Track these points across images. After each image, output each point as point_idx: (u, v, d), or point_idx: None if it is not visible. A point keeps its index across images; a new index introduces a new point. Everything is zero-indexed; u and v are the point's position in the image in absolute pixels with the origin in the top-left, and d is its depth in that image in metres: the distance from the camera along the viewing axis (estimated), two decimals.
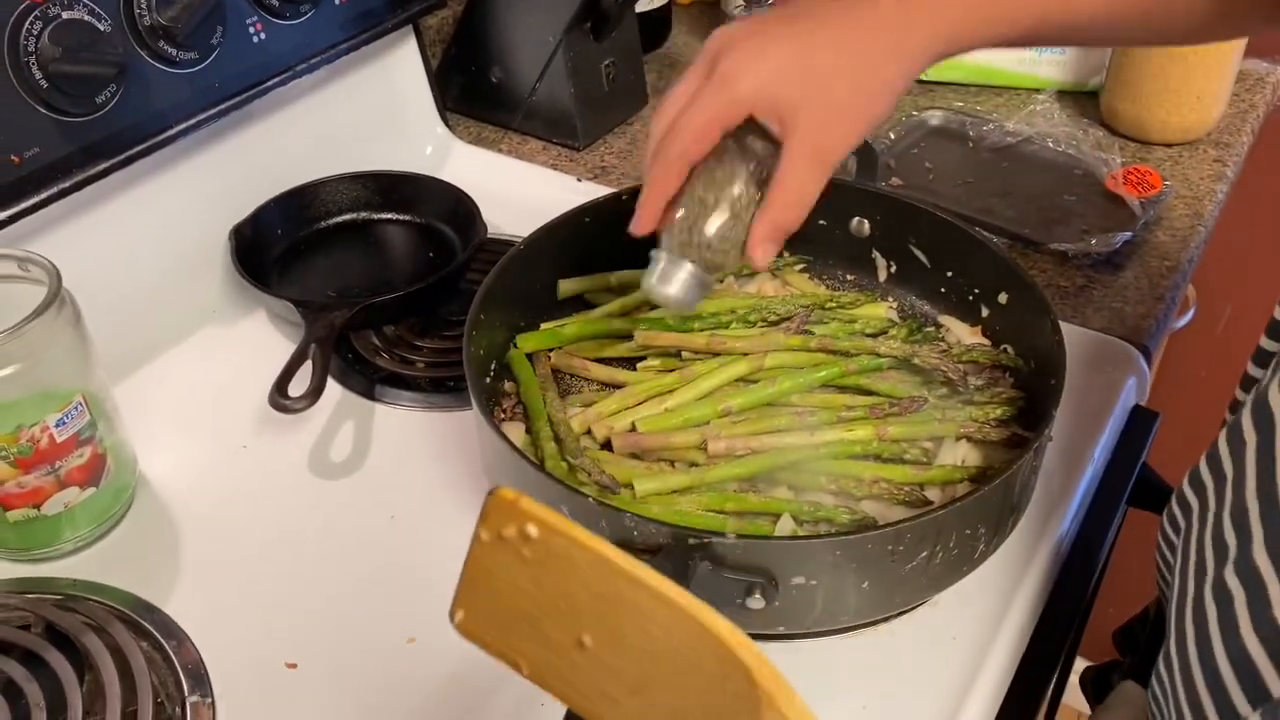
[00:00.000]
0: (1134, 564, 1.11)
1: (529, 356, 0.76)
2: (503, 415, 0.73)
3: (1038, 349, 0.69)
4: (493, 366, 0.75)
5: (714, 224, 0.61)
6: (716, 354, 0.75)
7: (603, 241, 0.80)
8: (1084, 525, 0.71)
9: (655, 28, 1.22)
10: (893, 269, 0.81)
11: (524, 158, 1.06)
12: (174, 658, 0.62)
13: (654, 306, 0.79)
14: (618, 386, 0.74)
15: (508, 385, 0.75)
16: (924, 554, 0.57)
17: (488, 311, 0.71)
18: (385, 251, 0.94)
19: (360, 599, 0.66)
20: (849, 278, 0.83)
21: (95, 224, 0.77)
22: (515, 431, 0.72)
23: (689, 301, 0.62)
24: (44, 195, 0.72)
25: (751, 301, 0.78)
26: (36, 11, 0.69)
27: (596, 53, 1.05)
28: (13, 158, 0.70)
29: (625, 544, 0.57)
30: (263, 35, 0.84)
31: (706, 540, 0.55)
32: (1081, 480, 0.72)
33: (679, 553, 0.55)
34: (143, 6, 0.74)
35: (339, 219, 0.94)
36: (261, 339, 0.85)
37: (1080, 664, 1.10)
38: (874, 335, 0.76)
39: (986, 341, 0.76)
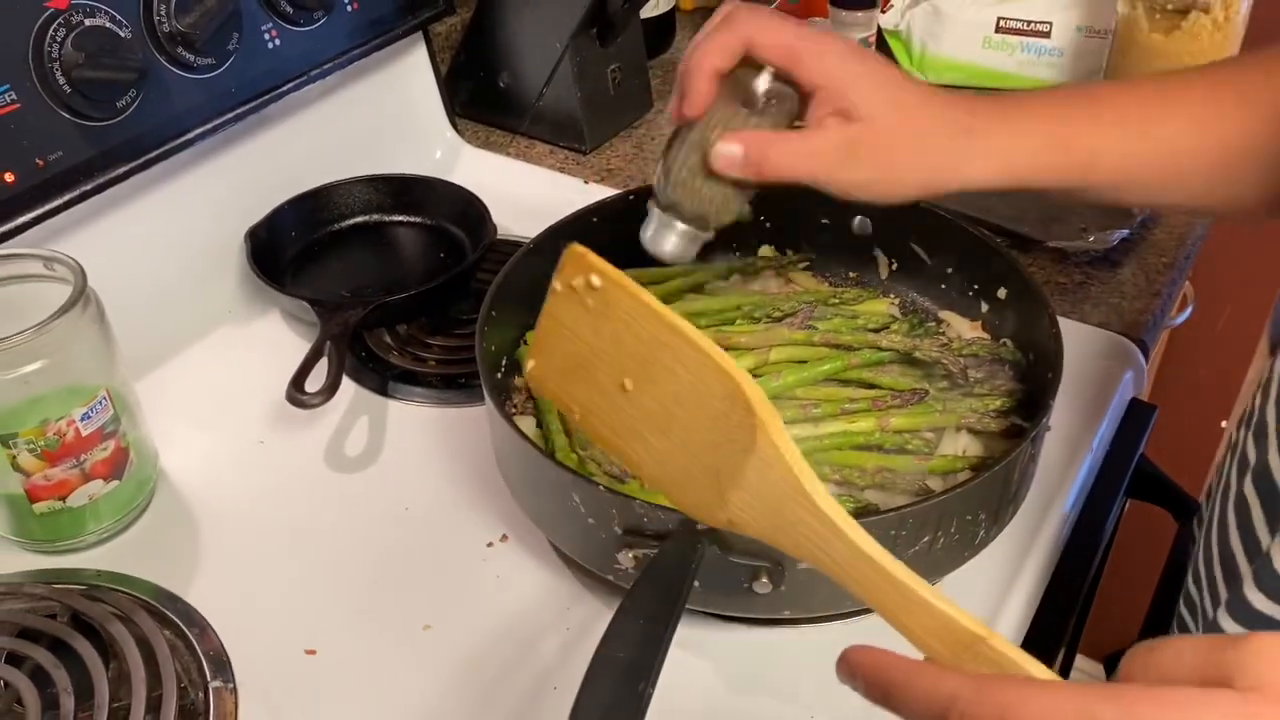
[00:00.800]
0: (1134, 559, 1.13)
1: None
2: (514, 409, 0.75)
3: (1036, 342, 0.71)
4: (504, 362, 0.76)
5: (691, 164, 0.60)
6: (723, 349, 0.76)
7: (611, 241, 0.81)
8: (1083, 514, 0.73)
9: (660, 33, 1.24)
10: (894, 266, 0.83)
11: (532, 161, 1.08)
12: (196, 645, 0.64)
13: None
14: None
15: (518, 380, 0.77)
16: (926, 539, 0.59)
17: (499, 309, 0.73)
18: (397, 252, 0.96)
19: (377, 587, 0.68)
20: (851, 275, 0.85)
21: (115, 226, 0.79)
22: (526, 425, 0.73)
23: (678, 255, 0.63)
24: (67, 197, 0.74)
25: (756, 298, 0.80)
26: (60, 19, 0.71)
27: (602, 58, 1.07)
28: (37, 161, 0.72)
29: (635, 530, 0.58)
30: (277, 42, 0.86)
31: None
32: (1080, 470, 0.73)
33: (687, 538, 0.56)
34: (162, 14, 0.76)
35: (351, 221, 0.96)
36: (276, 338, 0.87)
37: (1082, 663, 1.11)
38: (876, 330, 0.77)
39: (986, 336, 0.78)
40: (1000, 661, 0.35)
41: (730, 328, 0.78)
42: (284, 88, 0.87)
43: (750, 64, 0.59)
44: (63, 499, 0.67)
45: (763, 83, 0.59)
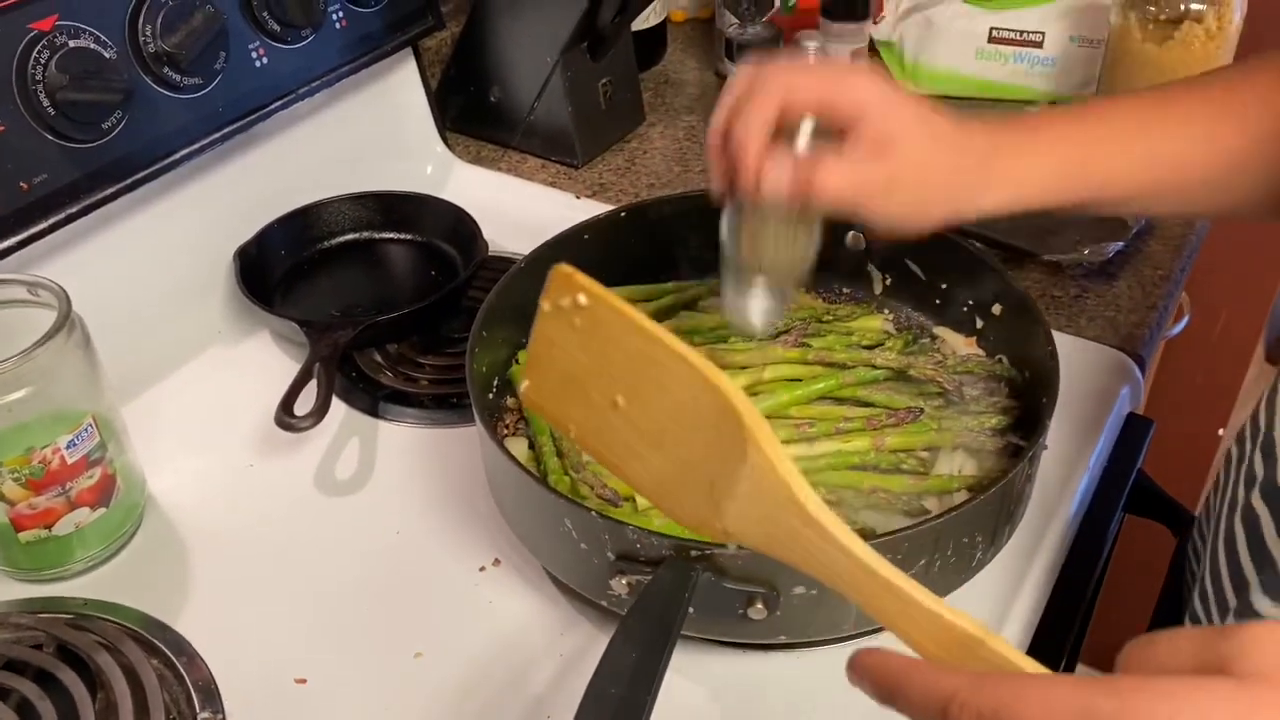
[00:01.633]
0: (1133, 572, 1.12)
1: None
2: (506, 431, 0.74)
3: (1032, 359, 0.71)
4: (495, 383, 0.76)
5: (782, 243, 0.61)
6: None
7: (602, 258, 0.81)
8: (1081, 532, 0.72)
9: (651, 46, 1.24)
10: (888, 282, 0.83)
11: (523, 176, 1.07)
12: (185, 675, 0.63)
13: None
14: None
15: (510, 401, 0.76)
16: (922, 562, 0.58)
17: (490, 328, 0.72)
18: (387, 271, 0.95)
19: (368, 614, 0.67)
20: (845, 291, 0.84)
21: (102, 248, 0.79)
22: (518, 447, 0.73)
23: (770, 318, 0.65)
24: (52, 220, 0.73)
25: None
26: (44, 40, 0.70)
27: (593, 72, 1.07)
28: (21, 184, 0.71)
29: (628, 556, 0.58)
30: (265, 60, 0.85)
31: (709, 552, 0.56)
32: (1078, 488, 0.73)
33: (682, 564, 0.56)
34: (147, 34, 0.76)
35: (341, 239, 0.95)
36: (266, 359, 0.86)
37: (1082, 670, 1.11)
38: (870, 347, 0.77)
39: (981, 352, 0.77)
40: (998, 662, 0.35)
41: (723, 346, 0.77)
42: (272, 106, 0.86)
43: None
44: (48, 527, 0.66)
45: (804, 135, 0.57)
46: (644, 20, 1.19)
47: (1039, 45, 1.12)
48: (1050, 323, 0.70)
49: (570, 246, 0.79)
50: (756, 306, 0.64)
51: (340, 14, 0.91)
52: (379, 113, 1.01)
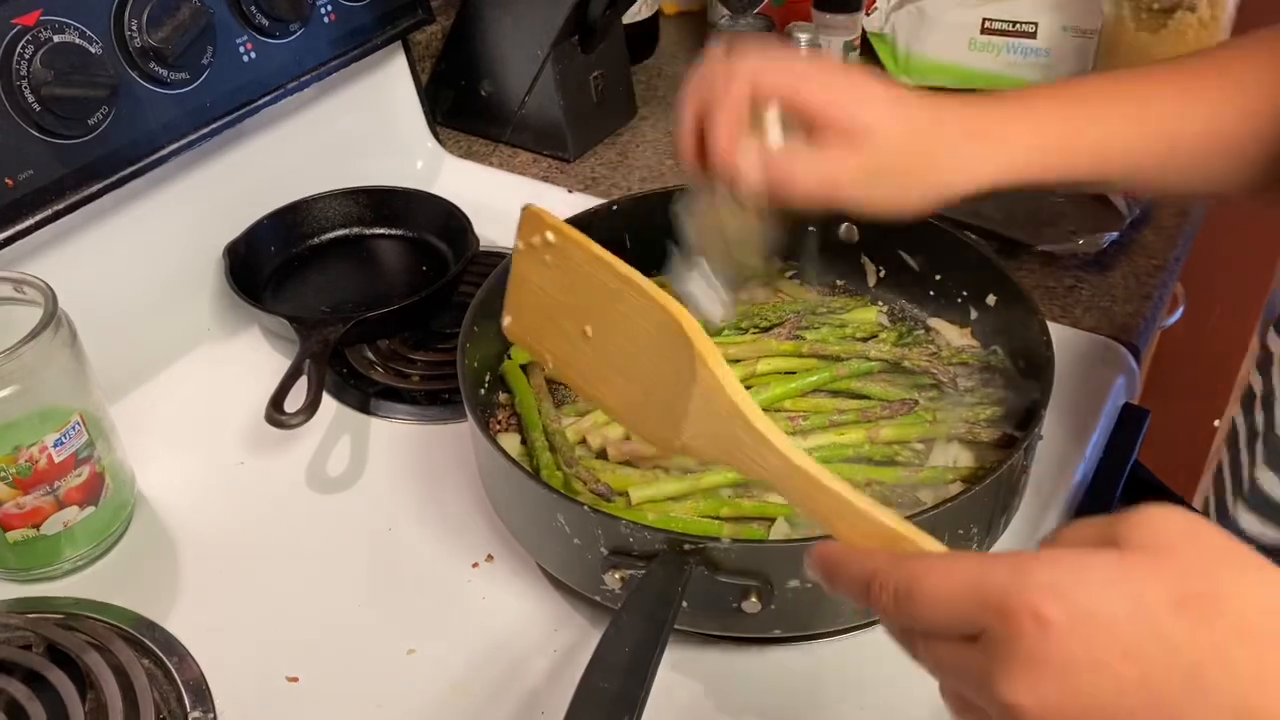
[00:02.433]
0: None
1: (523, 368, 0.76)
2: (498, 426, 0.74)
3: (1027, 349, 0.70)
4: (487, 378, 0.75)
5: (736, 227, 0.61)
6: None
7: None
8: (1077, 518, 0.71)
9: (642, 39, 1.23)
10: (882, 274, 0.82)
11: (515, 170, 1.07)
12: (175, 674, 0.63)
13: None
14: None
15: (502, 397, 0.76)
16: None
17: (481, 324, 0.72)
18: (378, 266, 0.94)
19: (360, 610, 0.66)
20: (839, 283, 0.84)
21: (89, 245, 0.78)
22: (510, 442, 0.72)
23: (722, 313, 0.64)
24: (38, 217, 0.72)
25: (743, 308, 0.79)
26: (28, 35, 0.70)
27: (585, 65, 1.06)
28: (6, 180, 0.70)
29: (621, 550, 0.57)
30: (253, 54, 0.84)
31: (702, 545, 0.55)
32: (1074, 478, 0.72)
33: (675, 558, 0.55)
34: (133, 28, 0.75)
35: (331, 235, 0.95)
36: (256, 356, 0.86)
37: None
38: (864, 339, 0.76)
39: (976, 343, 0.77)
40: (917, 551, 0.40)
41: (717, 339, 0.76)
42: (260, 101, 0.86)
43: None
44: (37, 527, 0.66)
45: (773, 126, 0.57)
46: (635, 13, 1.18)
47: (1032, 36, 1.11)
48: (1045, 313, 0.69)
49: None
50: (713, 296, 0.63)
51: (329, 8, 0.90)
52: (369, 108, 1.00)
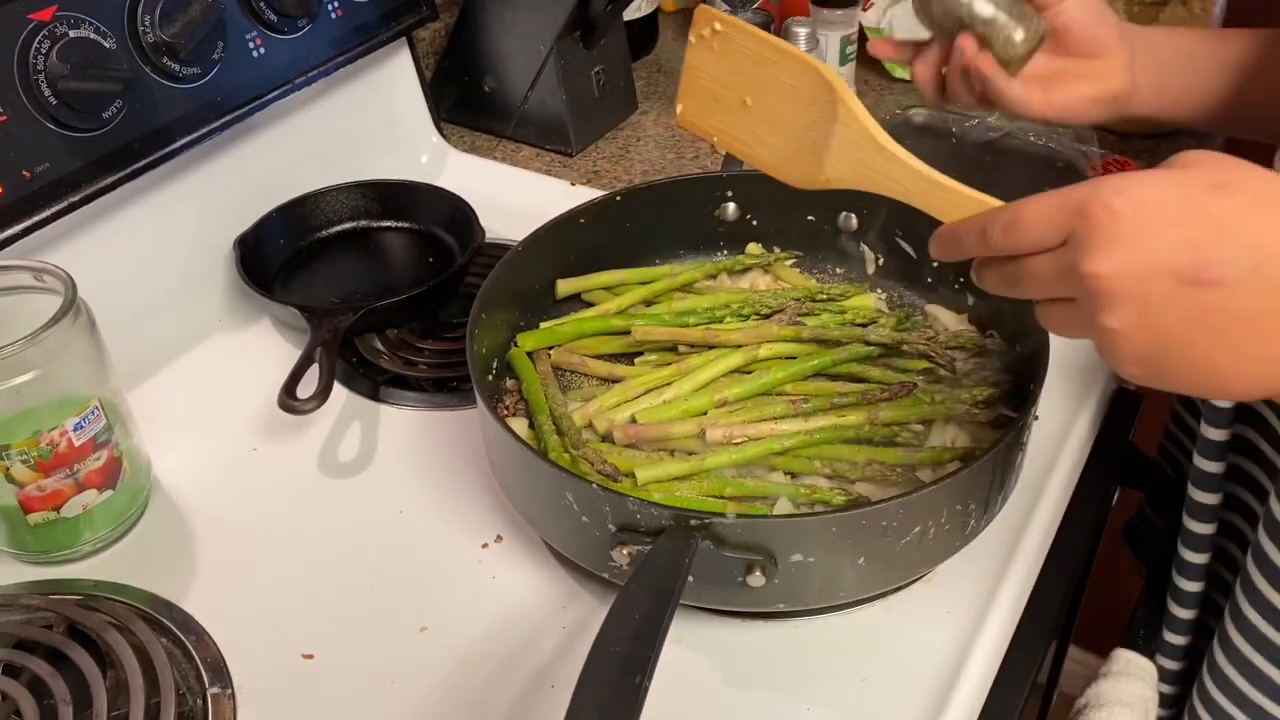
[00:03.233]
0: (1124, 548, 1.14)
1: (529, 355, 0.78)
2: (505, 411, 0.75)
3: (1022, 333, 0.72)
4: (494, 365, 0.77)
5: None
6: (712, 347, 0.77)
7: (599, 242, 0.82)
8: (1073, 502, 0.73)
9: (643, 35, 1.25)
10: (880, 262, 0.84)
11: (518, 164, 1.08)
12: (194, 652, 0.64)
13: (650, 304, 0.82)
14: (617, 381, 0.76)
15: (509, 383, 0.77)
16: (917, 529, 0.59)
17: (489, 311, 0.74)
18: (385, 258, 0.96)
19: (373, 591, 0.68)
20: (838, 271, 0.85)
21: (104, 236, 0.80)
22: (518, 426, 0.74)
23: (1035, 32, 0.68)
24: (54, 209, 0.74)
25: (744, 295, 0.80)
26: (44, 31, 0.71)
27: (586, 60, 1.08)
28: (24, 173, 0.72)
29: (629, 527, 0.59)
30: (262, 50, 0.86)
31: (707, 521, 0.57)
32: (1068, 459, 0.74)
33: (681, 533, 0.57)
34: (146, 24, 0.77)
35: (339, 228, 0.96)
36: (266, 346, 0.87)
37: (1075, 651, 1.12)
38: (864, 325, 0.78)
39: (973, 328, 0.78)
40: None
41: (719, 325, 0.78)
42: (269, 95, 0.87)
43: None
44: (57, 509, 0.67)
45: None
46: (636, 9, 1.20)
47: None
48: None
49: (567, 230, 0.80)
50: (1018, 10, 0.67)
51: (336, 4, 0.92)
52: (374, 103, 1.02)
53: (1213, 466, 0.70)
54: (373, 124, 1.02)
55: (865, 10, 1.19)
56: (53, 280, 0.66)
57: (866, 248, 0.84)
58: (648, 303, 0.82)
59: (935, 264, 0.81)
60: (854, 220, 0.83)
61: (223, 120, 0.84)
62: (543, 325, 0.80)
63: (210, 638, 0.65)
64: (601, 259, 0.83)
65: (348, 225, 0.97)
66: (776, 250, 0.85)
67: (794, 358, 0.75)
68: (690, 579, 0.55)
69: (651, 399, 0.73)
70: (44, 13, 0.71)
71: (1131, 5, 1.02)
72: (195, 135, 0.82)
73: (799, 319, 0.78)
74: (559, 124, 1.08)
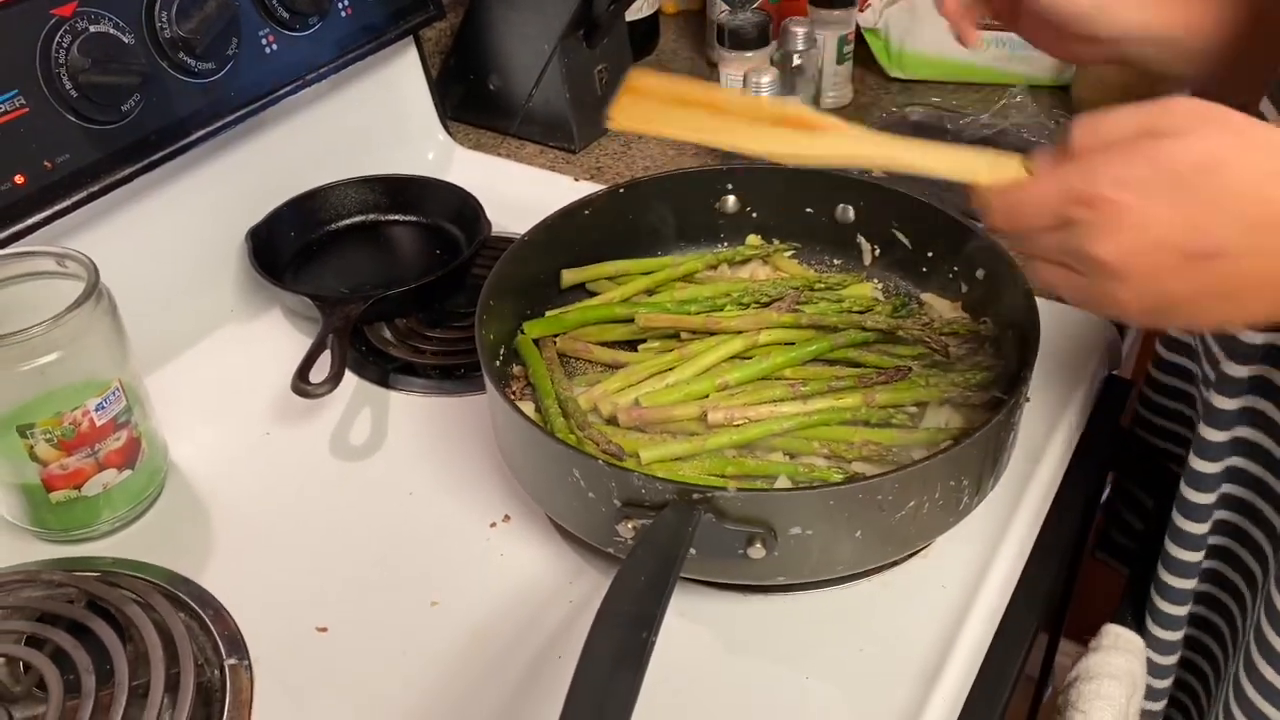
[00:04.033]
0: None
1: (535, 342, 0.80)
2: (512, 395, 0.77)
3: (1014, 319, 0.74)
4: (501, 352, 0.79)
5: None
6: (713, 333, 0.79)
7: (602, 233, 0.85)
8: (1064, 484, 0.75)
9: (644, 36, 1.27)
10: (877, 252, 0.86)
11: (522, 161, 1.11)
12: (211, 626, 0.66)
13: (652, 293, 0.84)
14: (620, 367, 0.79)
15: (516, 369, 0.79)
16: (911, 504, 0.61)
17: (496, 299, 0.76)
18: (394, 250, 0.98)
19: (385, 567, 0.70)
20: (836, 262, 0.87)
21: (121, 226, 0.82)
22: (525, 410, 0.76)
23: None
24: (74, 198, 0.76)
25: (744, 284, 0.83)
26: (66, 26, 0.74)
27: (589, 59, 1.10)
28: (45, 163, 0.74)
29: (634, 502, 0.61)
30: (274, 47, 0.88)
31: (709, 494, 0.59)
32: (1059, 441, 0.76)
33: (684, 506, 0.59)
34: (164, 20, 0.79)
35: (349, 221, 0.99)
36: (278, 335, 0.89)
37: (1066, 646, 1.14)
38: (861, 312, 0.80)
39: (967, 316, 0.81)
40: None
41: (720, 314, 0.80)
42: (281, 91, 0.89)
43: None
44: (78, 488, 0.69)
45: None
46: (638, 10, 1.22)
47: None
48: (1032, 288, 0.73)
49: (572, 221, 0.82)
50: None
51: (345, 3, 0.94)
52: (382, 100, 1.04)
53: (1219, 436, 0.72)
54: (381, 121, 1.04)
55: (862, 11, 1.21)
56: (75, 266, 0.68)
57: (863, 239, 0.86)
58: (650, 292, 0.84)
59: (930, 254, 0.83)
60: (851, 212, 0.85)
61: (236, 115, 0.86)
62: (548, 313, 0.82)
63: (227, 612, 0.67)
64: (605, 250, 0.85)
65: (357, 219, 0.99)
66: (775, 241, 0.88)
67: (792, 343, 0.77)
68: (693, 552, 0.57)
69: (655, 383, 0.75)
70: (66, 8, 0.74)
71: None
72: (210, 129, 0.84)
73: (798, 306, 0.80)
74: (562, 121, 1.10)
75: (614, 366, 0.79)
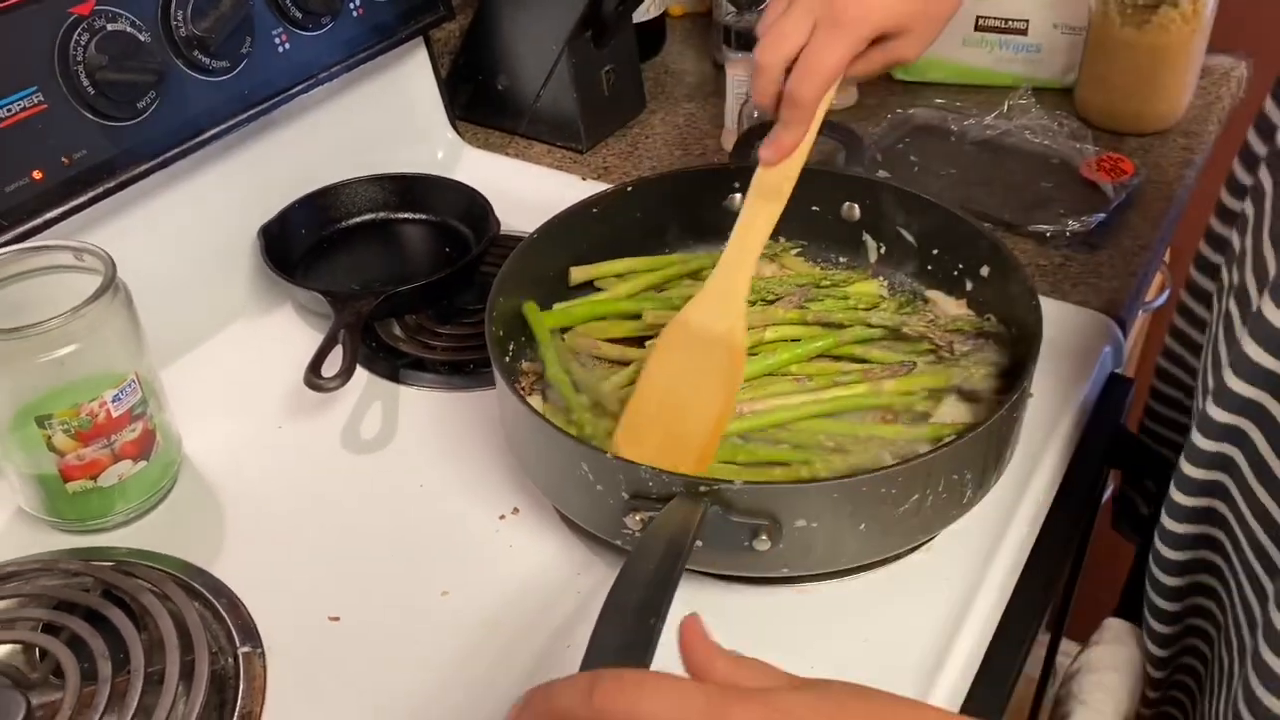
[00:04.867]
0: (1116, 549, 1.16)
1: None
2: (523, 390, 0.78)
3: (1018, 316, 0.75)
4: (510, 348, 0.80)
5: None
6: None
7: (610, 231, 0.86)
8: (1066, 479, 0.76)
9: (650, 39, 1.28)
10: (882, 250, 0.87)
11: (530, 160, 1.12)
12: (224, 615, 0.67)
13: (660, 290, 0.85)
14: (628, 363, 0.80)
15: (525, 365, 0.80)
16: (915, 496, 0.62)
17: (506, 295, 0.77)
18: (404, 248, 0.99)
19: (396, 557, 0.71)
20: (842, 260, 0.88)
21: (136, 222, 0.83)
22: (534, 404, 0.77)
23: None
24: (91, 194, 0.77)
25: (750, 282, 0.83)
26: (84, 24, 0.75)
27: (597, 60, 1.11)
28: (63, 159, 0.75)
29: (641, 494, 0.62)
30: (287, 45, 0.89)
31: (715, 487, 0.60)
32: (1062, 437, 0.77)
33: (690, 499, 0.60)
34: (179, 19, 0.80)
35: (359, 219, 1.00)
36: (289, 331, 0.90)
37: (1068, 646, 1.14)
38: (866, 309, 0.81)
39: (971, 313, 0.81)
40: None
41: None
42: (293, 90, 0.91)
43: None
44: (94, 479, 0.70)
45: None
46: (644, 12, 1.23)
47: (1023, 32, 1.16)
48: (1036, 287, 0.74)
49: (581, 219, 0.83)
50: None
51: (357, 3, 0.95)
52: (392, 100, 1.05)
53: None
54: (391, 120, 1.05)
55: None
56: (92, 260, 0.69)
57: (869, 236, 0.87)
58: (658, 289, 0.85)
59: (935, 252, 0.84)
60: (857, 210, 0.86)
61: (249, 113, 0.87)
62: (556, 308, 0.83)
63: (240, 601, 0.68)
64: (613, 248, 0.86)
65: (367, 216, 1.00)
66: (782, 240, 0.89)
67: (799, 340, 0.78)
68: (699, 544, 0.58)
69: None
70: (84, 7, 0.75)
71: (1124, 9, 1.06)
72: (223, 126, 0.85)
73: (804, 304, 0.81)
74: (570, 121, 1.11)
75: (621, 363, 0.80)
